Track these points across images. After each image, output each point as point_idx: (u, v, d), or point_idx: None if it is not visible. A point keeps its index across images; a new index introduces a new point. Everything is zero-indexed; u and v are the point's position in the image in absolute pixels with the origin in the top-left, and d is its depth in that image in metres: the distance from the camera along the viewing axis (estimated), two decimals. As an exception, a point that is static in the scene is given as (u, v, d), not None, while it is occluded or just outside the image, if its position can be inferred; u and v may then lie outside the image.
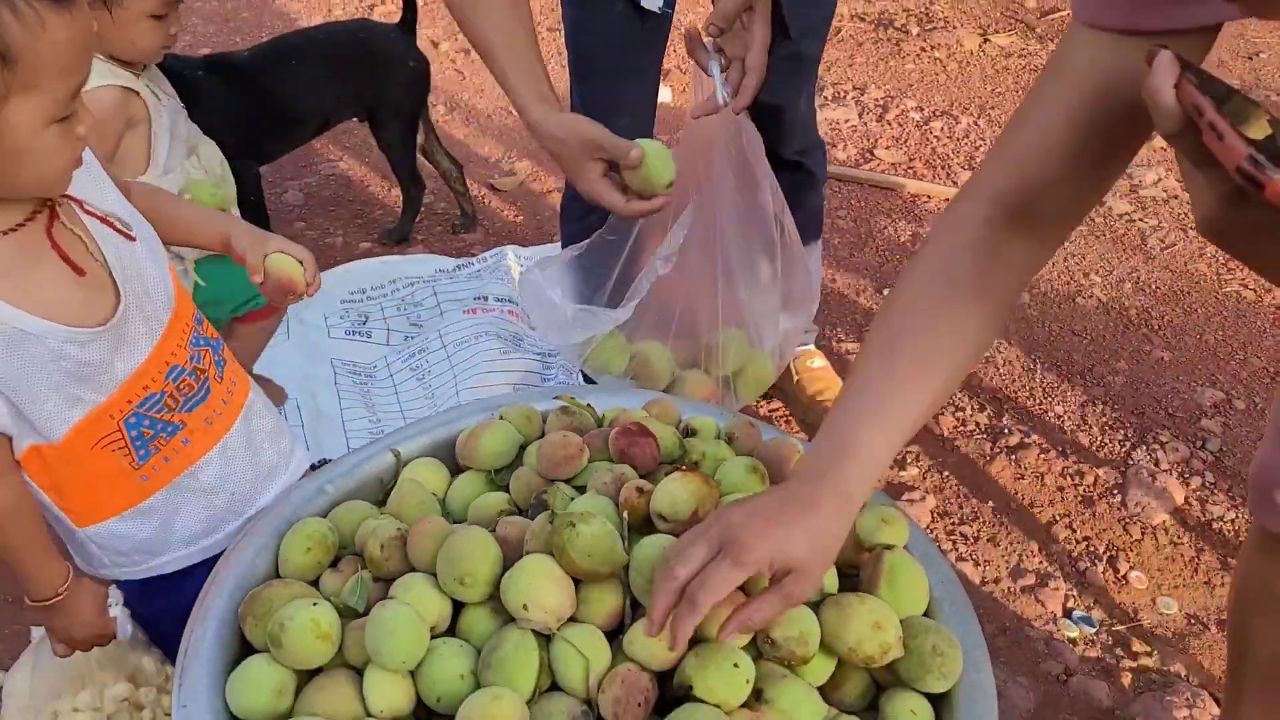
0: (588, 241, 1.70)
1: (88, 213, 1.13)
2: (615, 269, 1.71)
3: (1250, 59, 3.88)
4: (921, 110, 3.57)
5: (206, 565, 1.19)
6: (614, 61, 1.79)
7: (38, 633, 1.41)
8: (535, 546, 1.07)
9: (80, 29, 0.98)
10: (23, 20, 0.93)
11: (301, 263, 1.29)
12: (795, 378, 2.24)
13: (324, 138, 3.32)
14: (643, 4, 1.73)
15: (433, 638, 1.05)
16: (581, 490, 1.20)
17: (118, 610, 1.28)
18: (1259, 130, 0.63)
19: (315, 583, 1.16)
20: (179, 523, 1.28)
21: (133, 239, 1.17)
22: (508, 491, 1.25)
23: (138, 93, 1.70)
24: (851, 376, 0.99)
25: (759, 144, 1.54)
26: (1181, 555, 1.99)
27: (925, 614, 1.12)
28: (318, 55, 2.50)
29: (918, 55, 3.95)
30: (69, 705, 1.38)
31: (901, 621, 1.07)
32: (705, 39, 1.47)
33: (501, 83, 1.47)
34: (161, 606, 1.31)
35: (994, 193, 0.96)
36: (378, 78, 2.57)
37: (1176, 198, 3.09)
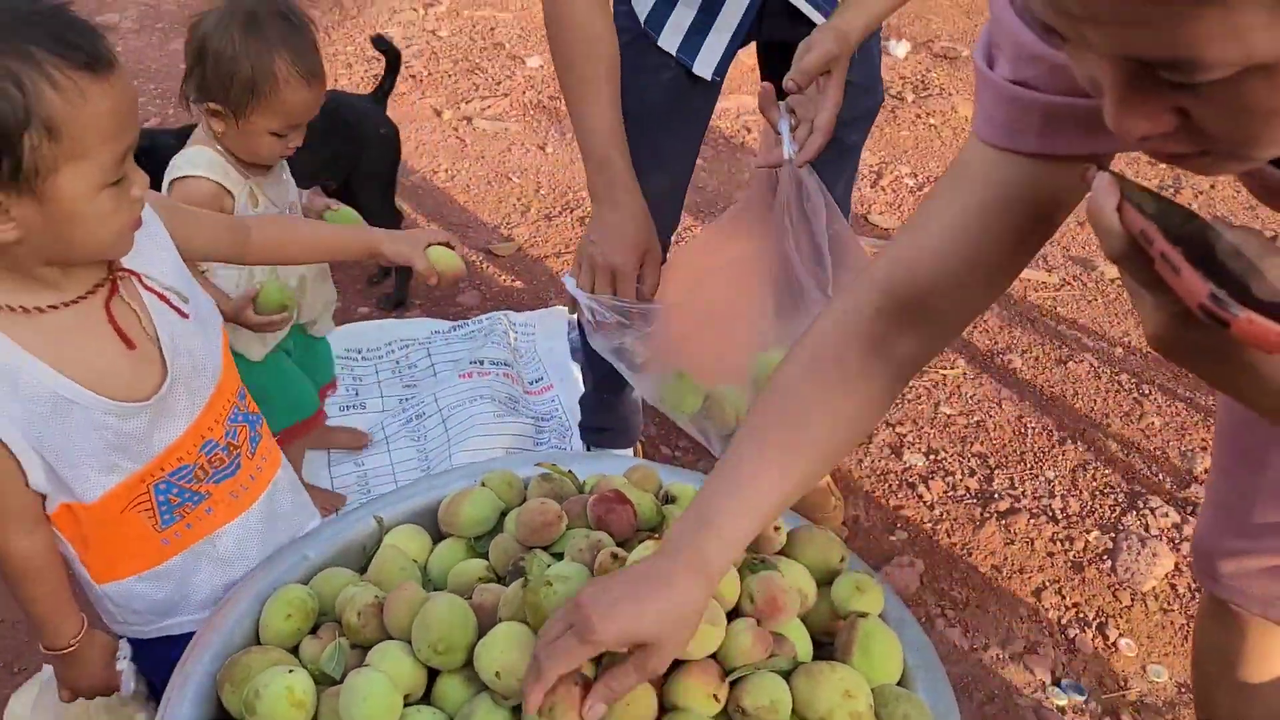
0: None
1: (147, 288, 1.17)
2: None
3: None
4: (915, 176, 3.63)
5: None
6: (659, 124, 1.84)
7: (48, 670, 1.43)
8: (509, 613, 1.09)
9: (120, 95, 1.01)
10: (63, 93, 0.96)
11: (450, 245, 1.47)
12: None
13: (327, 203, 3.39)
14: (695, 70, 1.79)
15: (406, 705, 1.06)
16: (559, 557, 1.21)
17: (124, 664, 1.31)
18: (1185, 228, 0.61)
19: (296, 649, 1.17)
20: (193, 587, 1.30)
21: (186, 316, 1.21)
22: (487, 558, 1.26)
23: (230, 193, 1.73)
24: (725, 453, 1.00)
25: (820, 198, 1.58)
26: (1172, 623, 1.99)
27: (899, 683, 1.13)
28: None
29: (913, 122, 4.01)
30: None
31: (874, 690, 1.08)
32: (780, 97, 1.52)
33: (596, 147, 1.58)
34: (165, 664, 1.33)
35: (888, 286, 0.97)
36: (351, 147, 2.59)
37: (1168, 263, 3.12)
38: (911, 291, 0.95)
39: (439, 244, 1.50)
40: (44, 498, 1.16)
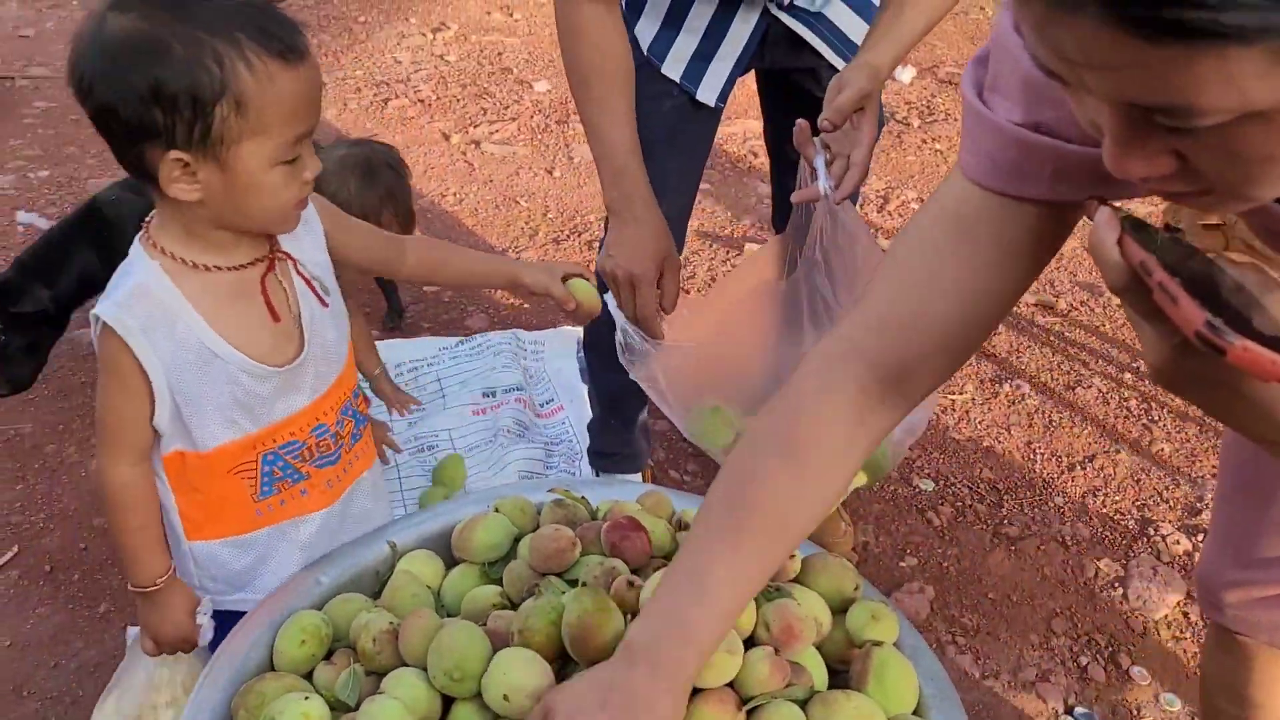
0: (686, 299, 1.77)
1: (299, 273, 1.30)
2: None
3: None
4: (922, 201, 3.64)
5: None
6: (663, 151, 1.85)
7: (133, 632, 1.50)
8: (520, 641, 1.09)
9: (305, 84, 1.13)
10: (255, 74, 1.08)
11: (586, 277, 1.52)
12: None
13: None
14: (699, 97, 1.81)
15: (421, 733, 1.05)
16: (573, 584, 1.21)
17: (204, 619, 1.36)
18: (1194, 260, 0.62)
19: (309, 675, 1.16)
20: (269, 566, 1.37)
21: (326, 305, 1.33)
22: (501, 584, 1.26)
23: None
24: (690, 543, 0.93)
25: (862, 232, 1.59)
26: (1184, 651, 1.98)
27: (914, 712, 1.12)
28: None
29: (919, 147, 4.03)
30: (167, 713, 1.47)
31: (889, 719, 1.08)
32: (815, 136, 1.54)
33: (613, 161, 1.58)
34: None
35: (872, 359, 0.92)
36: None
37: (1175, 289, 3.12)
38: (897, 366, 0.91)
39: (576, 276, 1.52)
40: (158, 441, 1.26)
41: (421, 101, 4.34)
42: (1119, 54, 0.54)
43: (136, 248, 1.23)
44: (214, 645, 1.38)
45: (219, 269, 1.23)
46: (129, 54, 1.06)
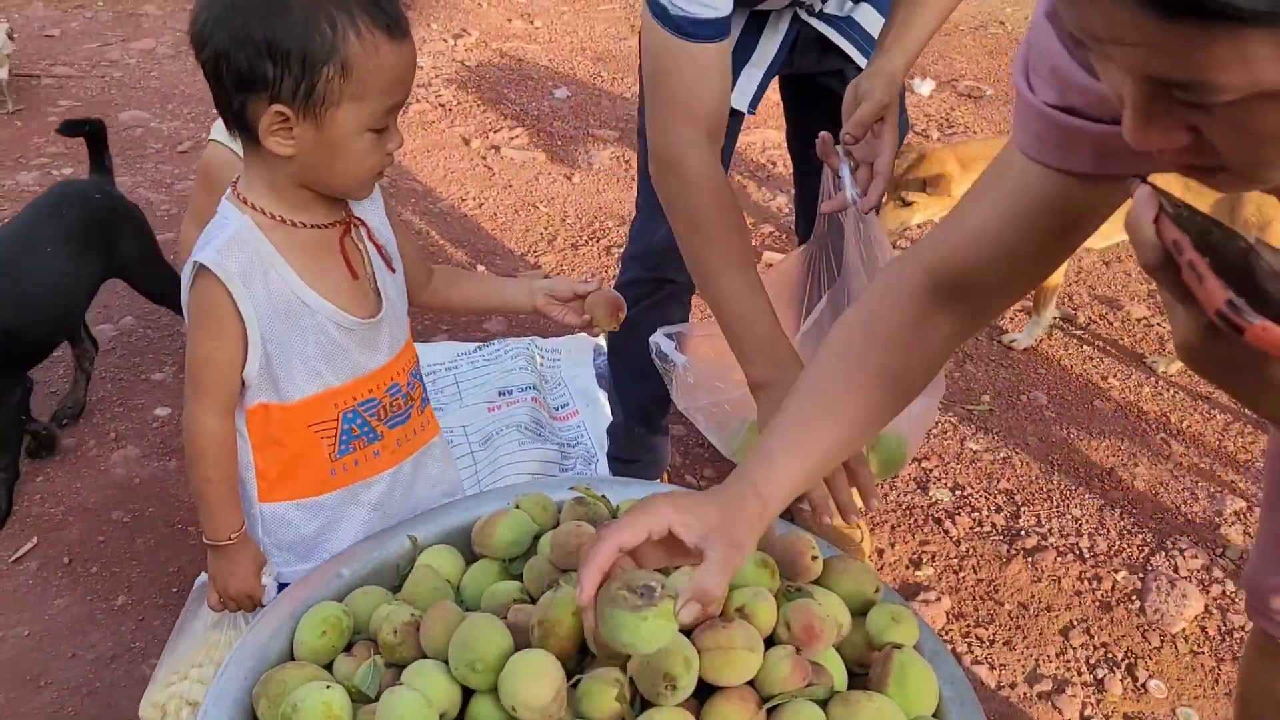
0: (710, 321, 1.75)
1: (370, 239, 1.37)
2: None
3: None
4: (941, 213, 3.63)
5: None
6: None
7: (201, 578, 1.52)
8: (540, 634, 1.09)
9: (406, 59, 1.20)
10: (363, 42, 1.15)
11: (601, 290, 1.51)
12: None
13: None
14: (732, 104, 1.80)
15: (441, 725, 1.05)
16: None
17: (269, 580, 1.41)
18: (1229, 247, 0.63)
19: (329, 666, 1.17)
20: (336, 533, 1.42)
21: (393, 270, 1.40)
22: (520, 580, 1.26)
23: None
24: (783, 405, 1.05)
25: (885, 243, 1.59)
26: (1202, 665, 1.97)
27: (934, 715, 1.12)
28: (46, 236, 2.29)
29: (938, 159, 4.02)
30: (196, 671, 1.51)
31: (909, 721, 1.08)
32: (838, 145, 1.53)
33: (757, 328, 1.43)
34: None
35: (931, 264, 1.02)
36: (116, 235, 2.42)
37: (1195, 303, 3.11)
38: (951, 272, 1.01)
39: (592, 294, 1.50)
40: (243, 395, 1.32)
41: (442, 106, 4.36)
42: (1140, 31, 0.58)
43: (226, 204, 1.29)
44: None
45: (303, 225, 1.29)
46: (251, 7, 1.13)
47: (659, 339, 1.63)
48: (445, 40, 5.08)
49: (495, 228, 3.51)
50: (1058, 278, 2.91)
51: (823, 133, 1.53)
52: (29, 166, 3.78)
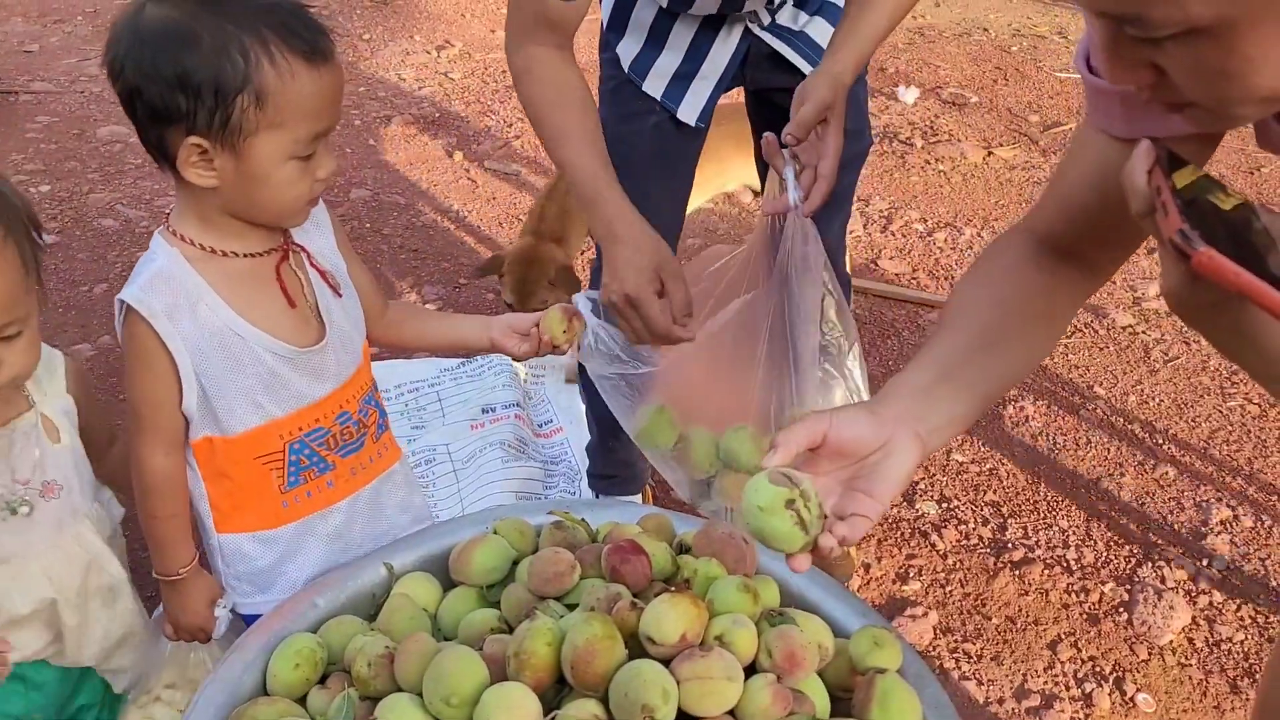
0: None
1: (312, 264, 1.33)
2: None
3: (1251, 173, 3.95)
4: (925, 222, 3.63)
5: None
6: (648, 170, 1.84)
7: (159, 610, 1.51)
8: (515, 666, 1.07)
9: (328, 85, 1.17)
10: (277, 69, 1.12)
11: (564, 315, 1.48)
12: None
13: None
14: (679, 116, 1.79)
15: (416, 760, 1.03)
16: (572, 608, 1.19)
17: (221, 612, 1.39)
18: (1225, 203, 0.69)
19: (304, 700, 1.15)
20: (294, 564, 1.39)
21: (340, 295, 1.36)
22: (499, 607, 1.24)
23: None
24: (930, 341, 1.05)
25: (821, 251, 1.57)
26: (1190, 678, 1.95)
27: (919, 742, 1.11)
28: None
29: (922, 168, 4.03)
30: (167, 692, 1.49)
31: (893, 749, 1.06)
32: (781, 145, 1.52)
33: (584, 189, 1.53)
34: None
35: (1037, 230, 1.06)
36: None
37: (1179, 311, 3.11)
38: (1059, 235, 1.04)
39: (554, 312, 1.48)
40: (188, 426, 1.29)
41: (426, 119, 4.35)
42: None
43: (156, 238, 1.26)
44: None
45: (235, 255, 1.26)
46: (160, 41, 1.11)
47: (579, 298, 1.60)
48: (428, 52, 5.06)
49: (478, 241, 3.49)
50: None
51: (767, 134, 1.51)
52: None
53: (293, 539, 1.38)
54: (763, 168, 2.04)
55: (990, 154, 4.12)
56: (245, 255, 1.26)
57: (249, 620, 1.36)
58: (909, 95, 4.59)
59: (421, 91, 4.63)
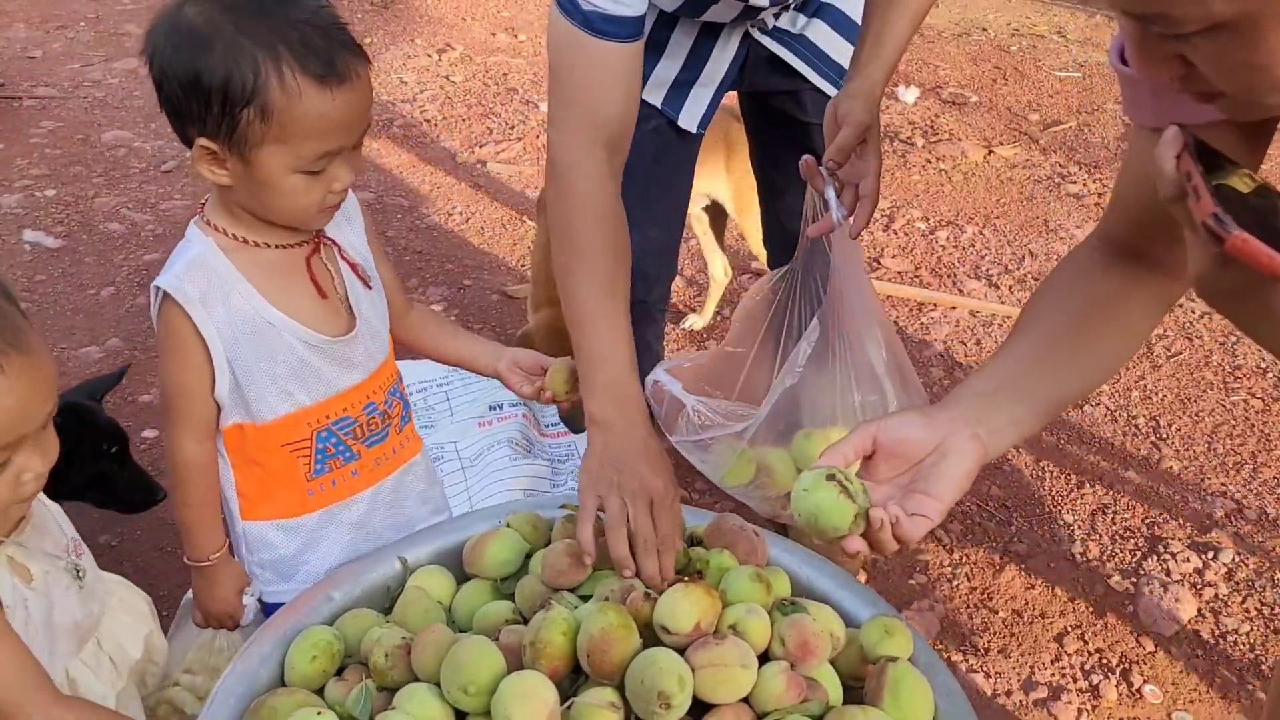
0: (709, 353, 1.73)
1: (343, 257, 1.35)
2: (739, 380, 1.71)
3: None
4: (927, 220, 3.65)
5: None
6: (646, 175, 1.83)
7: (188, 596, 1.52)
8: (531, 655, 1.08)
9: (341, 107, 1.15)
10: (285, 88, 1.12)
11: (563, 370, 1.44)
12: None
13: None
14: (680, 124, 1.79)
15: (435, 748, 1.05)
16: (585, 600, 1.21)
17: (250, 600, 1.41)
18: (1245, 185, 0.69)
19: (321, 691, 1.16)
20: (317, 552, 1.41)
21: (369, 288, 1.38)
22: (512, 600, 1.25)
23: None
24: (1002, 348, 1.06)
25: (863, 268, 1.57)
26: (1197, 669, 1.97)
27: (930, 728, 1.12)
28: None
29: (923, 167, 4.04)
30: (186, 677, 1.52)
31: (906, 736, 1.07)
32: (821, 167, 1.50)
33: (606, 368, 1.31)
34: None
35: (1106, 235, 1.07)
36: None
37: (1181, 306, 3.12)
38: (1120, 242, 1.05)
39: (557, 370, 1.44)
40: (219, 413, 1.31)
41: (428, 122, 4.36)
42: None
43: (192, 227, 1.28)
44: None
45: (267, 246, 1.28)
46: (184, 41, 1.13)
47: (661, 377, 1.59)
48: (430, 55, 5.08)
49: (483, 241, 3.51)
50: (725, 272, 3.01)
51: (806, 156, 1.51)
52: (12, 189, 3.76)
53: (316, 527, 1.40)
54: (759, 170, 2.03)
55: (991, 153, 4.14)
56: (277, 246, 1.28)
57: (271, 610, 1.37)
58: (909, 95, 4.60)
59: (423, 94, 4.65)
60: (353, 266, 1.36)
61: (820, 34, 1.74)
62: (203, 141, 1.17)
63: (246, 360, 1.27)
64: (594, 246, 1.34)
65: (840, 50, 1.73)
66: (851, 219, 1.49)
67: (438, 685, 1.09)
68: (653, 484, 1.21)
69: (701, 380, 1.66)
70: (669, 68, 1.75)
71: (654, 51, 1.74)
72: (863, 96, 1.46)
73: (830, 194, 1.49)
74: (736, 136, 2.39)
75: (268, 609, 1.41)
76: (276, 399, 1.31)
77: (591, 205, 1.35)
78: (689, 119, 1.79)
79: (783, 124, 1.83)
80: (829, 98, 1.53)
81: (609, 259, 1.34)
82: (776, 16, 1.71)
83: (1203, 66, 0.71)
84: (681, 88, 1.77)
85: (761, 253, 2.79)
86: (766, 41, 1.73)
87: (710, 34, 1.72)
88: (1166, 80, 0.74)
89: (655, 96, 1.77)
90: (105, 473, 1.79)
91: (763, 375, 1.68)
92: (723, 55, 1.74)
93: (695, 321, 3.06)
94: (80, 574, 1.26)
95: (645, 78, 1.76)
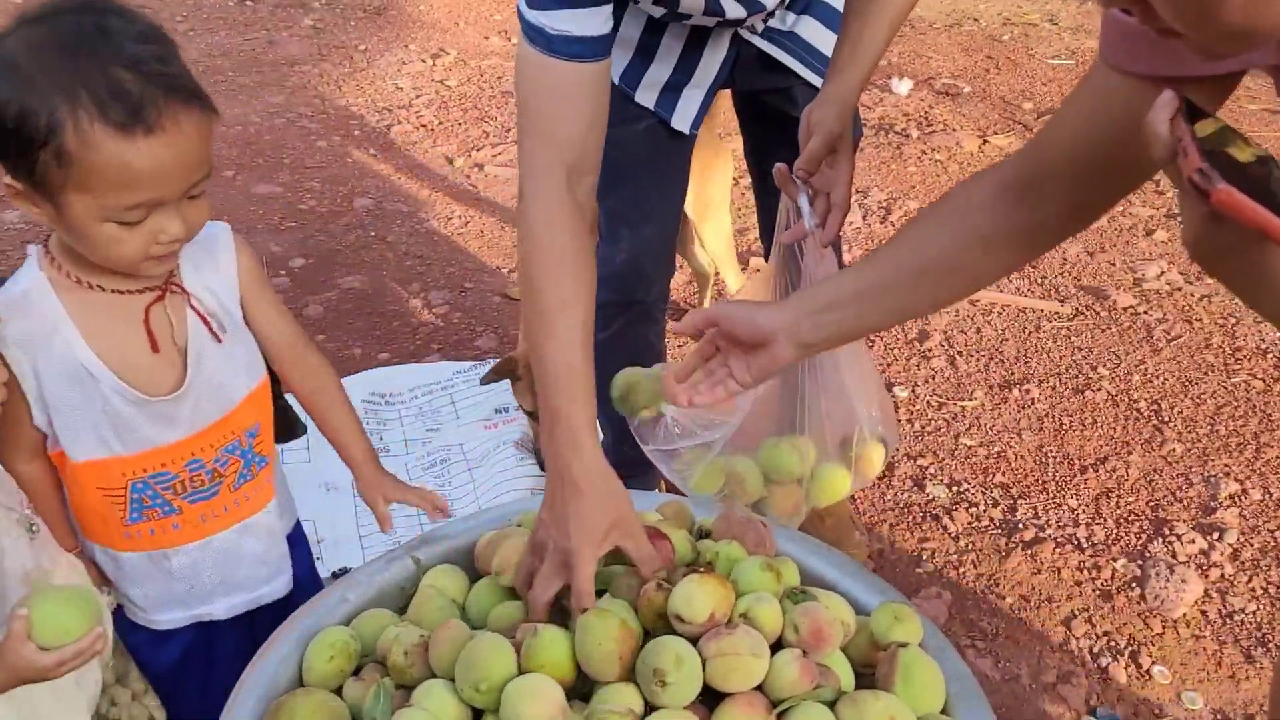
0: (684, 360, 1.73)
1: (193, 308, 1.26)
2: None
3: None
4: (925, 211, 3.66)
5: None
6: (640, 174, 1.84)
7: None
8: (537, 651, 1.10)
9: (147, 157, 1.06)
10: (80, 137, 1.04)
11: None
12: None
13: (343, 253, 3.43)
14: (674, 125, 1.80)
15: (454, 744, 1.06)
16: (599, 594, 1.22)
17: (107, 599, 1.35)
18: (1244, 154, 0.70)
19: (338, 691, 1.17)
20: (139, 589, 1.35)
21: (220, 341, 1.28)
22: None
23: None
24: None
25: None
26: (1204, 649, 1.98)
27: (942, 712, 1.13)
28: None
29: (919, 158, 4.05)
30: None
31: (918, 719, 1.09)
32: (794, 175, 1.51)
33: (553, 393, 1.27)
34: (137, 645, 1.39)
35: (1013, 171, 1.09)
36: None
37: (1180, 290, 3.13)
38: (1028, 174, 1.07)
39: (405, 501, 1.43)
40: (46, 438, 1.25)
41: (424, 126, 4.38)
42: None
43: (31, 257, 1.22)
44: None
45: (101, 289, 1.20)
46: None
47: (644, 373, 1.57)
48: (424, 60, 5.09)
49: (483, 244, 3.52)
50: (710, 266, 2.98)
51: (779, 164, 1.51)
52: (11, 204, 3.78)
53: (139, 564, 1.33)
54: (754, 166, 2.04)
55: (985, 142, 4.15)
56: (114, 291, 1.20)
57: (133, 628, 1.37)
58: (902, 87, 4.61)
59: (419, 100, 4.66)
60: (203, 317, 1.26)
61: (810, 29, 1.75)
62: (7, 179, 1.09)
63: (61, 404, 1.21)
64: (549, 266, 1.30)
65: (831, 44, 1.74)
66: (823, 228, 1.50)
67: (454, 681, 1.10)
68: (565, 546, 1.18)
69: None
70: (661, 71, 1.76)
71: (645, 56, 1.75)
72: (835, 104, 1.47)
73: (803, 201, 1.50)
74: (703, 140, 2.38)
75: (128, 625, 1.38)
76: (92, 444, 1.23)
77: (549, 228, 1.31)
78: (682, 120, 1.80)
79: (776, 121, 1.84)
80: None
81: (567, 312, 1.27)
82: (765, 20, 1.72)
83: (1156, 6, 0.72)
84: (673, 90, 1.78)
85: (719, 261, 2.81)
86: (756, 40, 1.73)
87: (700, 37, 1.72)
88: (1127, 18, 0.76)
89: (648, 99, 1.78)
90: None
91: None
92: (713, 57, 1.74)
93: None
94: (34, 529, 1.22)
95: (636, 82, 1.77)
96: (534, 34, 1.34)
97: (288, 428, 1.76)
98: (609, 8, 1.35)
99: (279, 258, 3.39)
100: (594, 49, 1.35)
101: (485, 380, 2.32)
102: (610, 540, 1.20)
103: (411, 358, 2.89)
